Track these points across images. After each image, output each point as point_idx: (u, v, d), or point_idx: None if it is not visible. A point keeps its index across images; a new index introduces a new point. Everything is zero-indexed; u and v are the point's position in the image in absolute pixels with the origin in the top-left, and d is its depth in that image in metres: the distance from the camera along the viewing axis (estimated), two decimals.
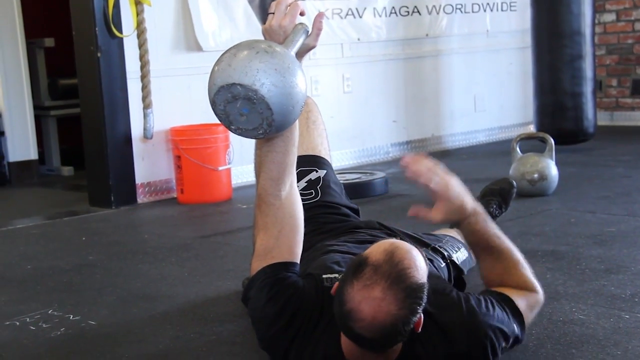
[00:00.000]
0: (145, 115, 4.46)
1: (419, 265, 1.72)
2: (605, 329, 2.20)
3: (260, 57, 1.71)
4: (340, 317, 1.71)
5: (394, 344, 1.75)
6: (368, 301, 1.66)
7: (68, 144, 6.06)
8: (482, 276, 2.09)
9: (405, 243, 1.78)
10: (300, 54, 1.96)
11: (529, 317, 1.99)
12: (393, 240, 1.80)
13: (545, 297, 2.07)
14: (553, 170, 4.08)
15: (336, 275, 1.91)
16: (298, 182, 2.27)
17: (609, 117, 6.78)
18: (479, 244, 2.03)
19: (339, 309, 1.71)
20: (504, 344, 1.88)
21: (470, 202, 1.98)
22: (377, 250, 1.72)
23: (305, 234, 2.00)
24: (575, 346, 2.10)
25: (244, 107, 1.73)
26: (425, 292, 1.72)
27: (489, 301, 1.91)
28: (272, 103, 1.71)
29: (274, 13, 1.95)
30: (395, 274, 1.67)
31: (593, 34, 5.41)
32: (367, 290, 1.66)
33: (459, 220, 1.99)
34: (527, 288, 2.02)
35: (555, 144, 4.18)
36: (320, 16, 1.99)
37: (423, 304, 1.71)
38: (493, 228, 2.03)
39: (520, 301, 1.97)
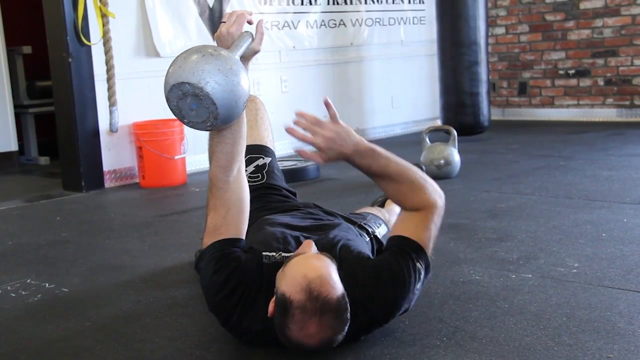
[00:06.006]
0: (110, 112, 4.40)
1: (332, 278, 1.65)
2: (496, 287, 2.24)
3: (206, 60, 1.68)
4: (292, 347, 1.68)
5: None
6: (310, 336, 1.64)
7: (44, 137, 5.93)
8: (394, 202, 1.97)
9: (312, 262, 1.68)
10: (246, 58, 1.94)
11: (434, 235, 1.88)
12: (302, 268, 1.66)
13: (443, 204, 1.91)
14: (456, 157, 4.13)
15: (274, 253, 1.87)
16: (248, 166, 2.23)
17: (500, 113, 6.89)
18: (372, 175, 1.91)
19: (288, 343, 1.67)
20: (413, 303, 1.87)
21: (349, 145, 1.84)
22: (294, 289, 1.62)
23: (252, 210, 1.97)
24: (472, 301, 2.13)
25: (193, 103, 1.70)
26: (346, 297, 1.67)
27: (404, 269, 1.82)
28: (216, 99, 1.68)
29: (225, 22, 1.93)
30: (320, 307, 1.61)
31: (487, 44, 5.48)
32: (305, 330, 1.63)
33: (343, 160, 1.89)
34: (427, 206, 1.88)
35: (457, 135, 4.23)
36: (260, 23, 1.98)
37: (349, 307, 1.67)
38: (382, 157, 1.88)
39: (426, 237, 1.86)
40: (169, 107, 1.74)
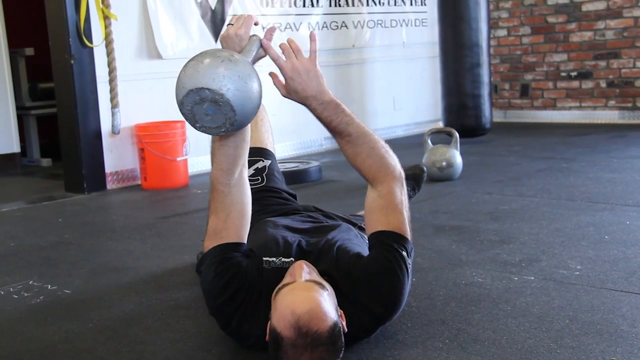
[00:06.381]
0: (113, 114, 4.40)
1: (322, 310, 1.59)
2: (498, 289, 2.23)
3: (225, 65, 1.65)
4: None
5: None
6: None
7: (46, 139, 5.94)
8: (352, 166, 1.94)
9: (300, 295, 1.61)
10: (252, 61, 1.94)
11: (407, 216, 1.88)
12: (290, 302, 1.60)
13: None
14: (458, 159, 4.13)
15: (274, 258, 1.86)
16: (247, 169, 2.23)
17: (502, 115, 6.89)
18: (333, 131, 1.92)
19: None
20: (409, 292, 1.86)
21: (313, 88, 1.86)
22: (284, 326, 1.57)
23: (252, 213, 1.96)
24: (474, 304, 2.13)
25: (210, 109, 1.66)
26: (339, 325, 1.63)
27: (393, 262, 1.81)
28: (235, 105, 1.65)
29: (232, 24, 1.91)
30: (311, 342, 1.55)
31: (489, 46, 5.48)
32: None
33: (300, 101, 1.88)
34: (385, 177, 1.89)
35: (459, 137, 4.23)
36: (271, 30, 1.95)
37: (342, 333, 1.63)
38: (346, 115, 1.90)
39: (401, 222, 1.86)
40: (182, 111, 1.70)
